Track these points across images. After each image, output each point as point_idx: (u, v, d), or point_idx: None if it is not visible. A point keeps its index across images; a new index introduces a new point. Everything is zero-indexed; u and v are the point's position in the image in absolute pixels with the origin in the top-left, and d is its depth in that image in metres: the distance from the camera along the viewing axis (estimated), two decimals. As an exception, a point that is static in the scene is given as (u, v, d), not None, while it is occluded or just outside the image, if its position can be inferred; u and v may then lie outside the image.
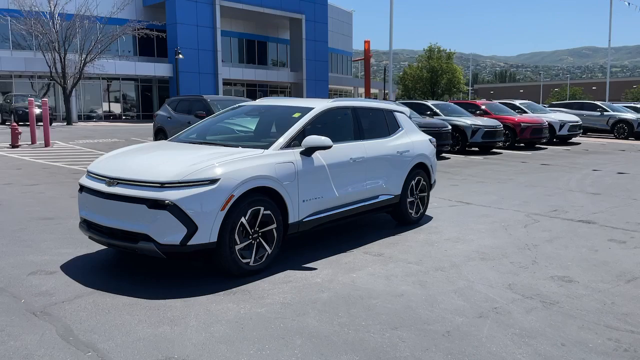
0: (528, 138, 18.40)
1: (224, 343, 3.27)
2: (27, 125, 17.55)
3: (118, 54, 40.09)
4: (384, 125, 6.39)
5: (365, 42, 42.27)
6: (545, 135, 18.88)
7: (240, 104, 6.41)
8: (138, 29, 34.14)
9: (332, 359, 3.12)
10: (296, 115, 5.41)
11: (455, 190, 9.52)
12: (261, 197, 4.59)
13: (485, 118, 17.87)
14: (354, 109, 6.00)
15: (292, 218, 4.91)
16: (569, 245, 5.81)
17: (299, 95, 46.93)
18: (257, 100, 6.64)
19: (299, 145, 5.04)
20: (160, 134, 15.44)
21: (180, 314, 3.71)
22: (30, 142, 17.49)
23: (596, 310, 3.95)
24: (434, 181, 7.24)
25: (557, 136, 20.30)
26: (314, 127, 5.39)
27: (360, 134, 5.91)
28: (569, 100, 59.32)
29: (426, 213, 7.22)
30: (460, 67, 67.75)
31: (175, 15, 39.33)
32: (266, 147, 4.90)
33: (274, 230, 4.71)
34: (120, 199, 4.29)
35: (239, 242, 4.41)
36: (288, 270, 4.74)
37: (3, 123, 29.62)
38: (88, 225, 4.65)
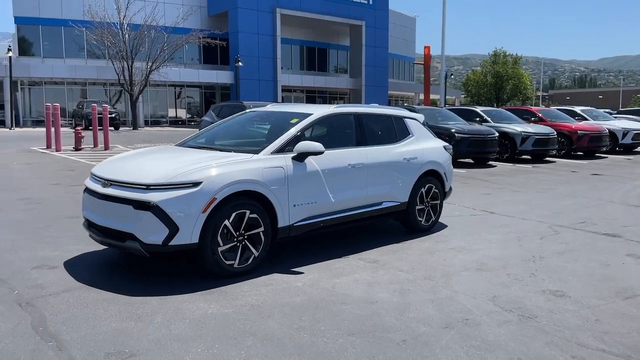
0: (585, 146, 17.50)
1: (178, 340, 3.39)
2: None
3: (184, 62, 41.79)
4: (392, 131, 6.35)
5: (425, 47, 41.73)
6: (605, 144, 17.89)
7: (247, 111, 6.57)
8: (201, 38, 35.46)
9: (276, 358, 3.17)
10: (294, 121, 5.49)
11: (485, 198, 9.26)
12: (247, 200, 4.70)
13: (540, 125, 17.21)
14: (358, 116, 6.00)
15: (282, 222, 4.98)
16: (580, 258, 5.53)
17: (358, 101, 46.98)
18: (266, 106, 6.78)
19: (292, 150, 5.12)
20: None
21: (150, 311, 3.87)
22: (92, 146, 18.60)
23: (575, 326, 3.76)
24: (449, 189, 7.09)
25: (620, 145, 19.22)
26: (310, 132, 5.45)
27: (362, 140, 5.90)
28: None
29: (443, 221, 7.09)
30: (534, 72, 65.32)
31: (237, 24, 40.55)
32: (257, 152, 5.01)
33: (261, 233, 4.80)
34: (111, 200, 4.54)
35: (222, 244, 4.54)
36: (274, 274, 4.82)
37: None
38: (88, 224, 4.93)
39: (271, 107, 6.60)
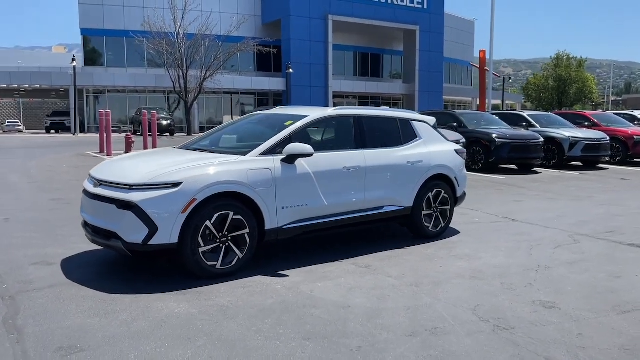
0: (642, 152, 16.49)
1: (132, 338, 3.42)
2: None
3: (238, 70, 42.76)
4: (396, 134, 6.19)
5: (480, 51, 40.80)
6: (666, 151, 16.75)
7: (253, 113, 6.60)
8: (255, 46, 36.20)
9: (222, 359, 3.14)
10: (288, 123, 5.46)
11: (513, 205, 8.87)
12: (231, 202, 4.70)
13: (591, 130, 16.35)
14: (358, 118, 5.89)
15: (269, 224, 4.95)
16: (590, 269, 5.18)
17: (411, 107, 46.37)
18: (272, 109, 6.78)
19: (282, 152, 5.09)
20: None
21: (119, 308, 3.93)
22: (142, 150, 19.34)
23: (551, 340, 3.51)
24: (463, 194, 6.83)
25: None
26: (304, 135, 5.40)
27: (362, 143, 5.78)
28: None
29: (457, 228, 6.87)
30: (607, 75, 62.16)
31: (290, 32, 41.09)
32: (244, 153, 5.01)
33: (246, 235, 4.79)
34: (99, 199, 4.67)
35: (203, 245, 4.56)
36: (259, 276, 4.79)
37: (135, 134, 32.98)
38: (85, 224, 5.09)
39: (276, 110, 6.60)
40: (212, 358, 3.18)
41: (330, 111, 5.79)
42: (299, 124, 5.40)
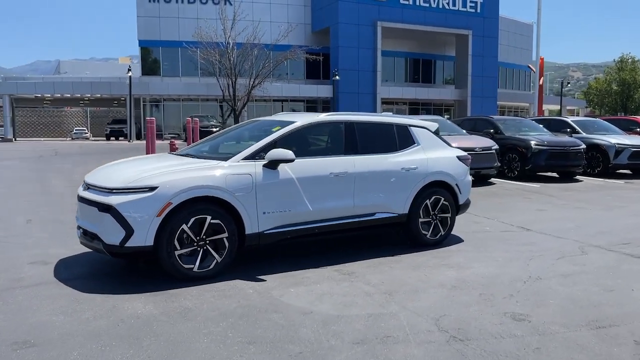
0: (700, 160, 15.39)
1: (84, 336, 3.55)
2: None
3: (287, 77, 43.33)
4: (392, 140, 6.10)
5: (540, 58, 39.47)
6: None
7: (255, 119, 6.70)
8: (304, 54, 36.61)
9: (158, 362, 3.21)
10: (275, 129, 5.51)
11: (535, 214, 8.54)
12: (208, 206, 4.79)
13: (644, 137, 15.48)
14: (350, 124, 5.86)
15: (250, 229, 5.01)
16: (584, 282, 4.92)
17: (463, 113, 45.43)
18: (273, 115, 6.85)
19: (264, 158, 5.14)
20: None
21: (87, 307, 4.09)
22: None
23: (505, 353, 3.36)
24: (466, 202, 6.63)
25: None
26: (290, 140, 5.42)
27: (352, 149, 5.75)
28: None
29: (461, 236, 6.72)
30: None
31: (338, 39, 41.24)
32: (225, 159, 5.10)
33: (225, 239, 4.87)
34: (85, 202, 4.88)
35: (179, 248, 4.67)
36: (237, 280, 4.85)
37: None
38: (78, 226, 5.32)
39: (277, 117, 6.65)
40: (150, 358, 3.25)
41: (323, 117, 5.79)
42: (284, 130, 5.44)
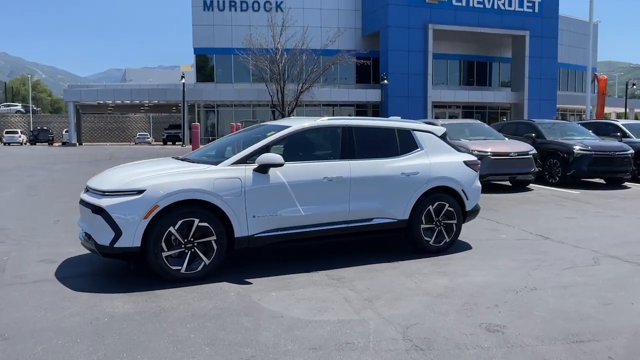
0: None
1: (55, 332, 3.71)
2: None
3: (337, 82, 43.44)
4: (393, 145, 6.01)
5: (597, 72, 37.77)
6: None
7: (261, 124, 6.79)
8: (353, 58, 36.65)
9: (114, 358, 3.31)
10: (270, 133, 5.56)
11: (560, 222, 8.17)
12: (197, 209, 4.89)
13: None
14: (348, 128, 5.82)
15: (239, 232, 5.07)
16: (581, 294, 4.67)
17: (520, 116, 43.98)
18: (277, 120, 6.90)
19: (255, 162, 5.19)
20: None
21: (69, 305, 4.27)
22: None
23: (460, 366, 3.25)
24: (474, 208, 6.43)
25: None
26: (284, 145, 5.46)
27: (349, 153, 5.70)
28: None
29: (471, 243, 6.55)
30: None
31: (388, 43, 40.96)
32: (216, 163, 5.19)
33: (213, 242, 4.96)
34: (83, 204, 5.10)
35: (166, 250, 4.79)
36: (224, 282, 4.92)
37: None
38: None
39: (280, 122, 6.70)
40: (106, 355, 3.36)
41: (317, 122, 5.79)
42: (277, 135, 5.48)
